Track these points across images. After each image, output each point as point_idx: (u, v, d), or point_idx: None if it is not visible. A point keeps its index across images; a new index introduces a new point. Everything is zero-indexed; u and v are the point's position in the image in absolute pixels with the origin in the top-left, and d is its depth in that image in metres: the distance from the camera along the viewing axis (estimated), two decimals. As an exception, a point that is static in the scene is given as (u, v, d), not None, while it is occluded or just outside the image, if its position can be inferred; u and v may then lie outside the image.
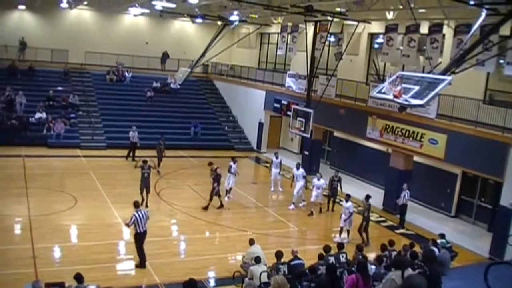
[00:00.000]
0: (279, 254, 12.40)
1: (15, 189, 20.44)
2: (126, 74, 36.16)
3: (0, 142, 26.74)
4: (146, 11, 32.14)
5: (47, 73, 33.94)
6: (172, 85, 35.92)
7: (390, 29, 21.78)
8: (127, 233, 16.38)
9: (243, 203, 21.62)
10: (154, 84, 35.90)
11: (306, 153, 28.41)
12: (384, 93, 14.99)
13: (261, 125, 33.19)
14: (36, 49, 33.88)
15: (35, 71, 33.52)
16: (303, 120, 24.78)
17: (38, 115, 29.54)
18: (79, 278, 10.34)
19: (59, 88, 32.90)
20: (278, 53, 31.08)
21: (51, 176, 23.62)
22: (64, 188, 21.51)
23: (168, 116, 33.79)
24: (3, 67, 32.52)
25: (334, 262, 12.47)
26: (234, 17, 30.28)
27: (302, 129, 24.92)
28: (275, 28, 34.50)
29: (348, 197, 18.04)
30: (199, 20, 34.62)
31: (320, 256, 12.75)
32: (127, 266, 14.79)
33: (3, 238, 15.57)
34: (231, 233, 18.06)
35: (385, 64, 25.41)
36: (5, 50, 33.13)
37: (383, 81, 19.33)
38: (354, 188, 23.31)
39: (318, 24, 25.70)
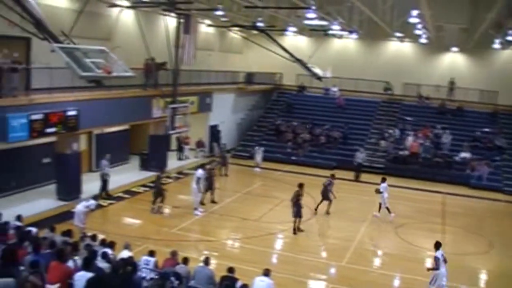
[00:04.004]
0: None
1: (431, 224, 20.90)
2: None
3: (424, 177, 28.54)
4: None
5: (475, 113, 33.77)
6: None
7: None
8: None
9: None
10: None
11: None
12: None
13: None
14: (466, 89, 34.40)
15: (463, 111, 33.86)
16: None
17: (462, 154, 29.82)
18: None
19: (486, 129, 32.15)
20: None
21: (469, 216, 23.04)
22: (481, 231, 20.74)
23: None
24: (433, 105, 34.47)
25: None
26: None
27: None
28: None
29: None
30: None
31: None
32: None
33: (412, 269, 15.81)
34: None
35: None
36: (436, 90, 35.21)
37: None
38: None
39: None
